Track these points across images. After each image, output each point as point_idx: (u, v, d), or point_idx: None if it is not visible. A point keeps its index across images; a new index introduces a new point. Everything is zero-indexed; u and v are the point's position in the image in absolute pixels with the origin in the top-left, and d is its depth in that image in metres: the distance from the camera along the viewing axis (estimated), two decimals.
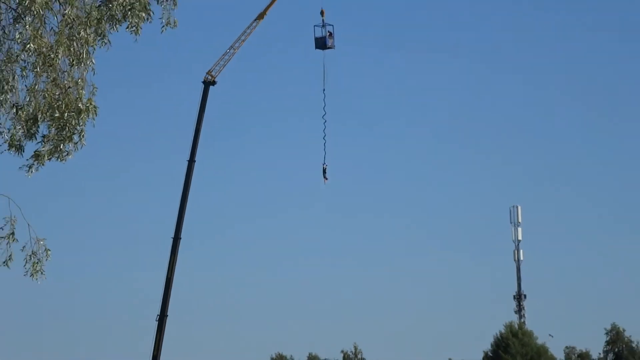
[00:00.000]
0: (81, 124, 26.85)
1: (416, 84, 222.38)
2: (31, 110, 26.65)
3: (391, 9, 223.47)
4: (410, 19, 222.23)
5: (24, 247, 26.96)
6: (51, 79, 26.56)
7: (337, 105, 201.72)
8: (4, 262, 27.04)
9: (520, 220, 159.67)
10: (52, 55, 25.92)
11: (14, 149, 27.14)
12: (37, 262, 27.09)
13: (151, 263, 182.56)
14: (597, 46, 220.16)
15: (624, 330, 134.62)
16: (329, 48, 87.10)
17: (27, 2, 25.44)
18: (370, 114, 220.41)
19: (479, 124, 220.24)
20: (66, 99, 26.60)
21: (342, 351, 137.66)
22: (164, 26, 27.27)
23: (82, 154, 27.29)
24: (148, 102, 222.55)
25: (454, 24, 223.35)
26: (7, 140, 26.95)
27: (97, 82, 26.93)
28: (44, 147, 27.00)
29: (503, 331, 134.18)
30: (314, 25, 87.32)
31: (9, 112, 26.52)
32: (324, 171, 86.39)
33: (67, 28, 26.12)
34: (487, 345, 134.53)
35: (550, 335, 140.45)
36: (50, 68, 26.18)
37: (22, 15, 26.17)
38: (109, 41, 26.93)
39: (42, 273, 27.16)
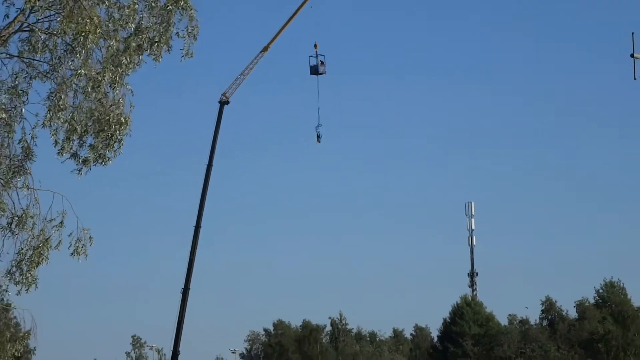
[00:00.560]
0: (121, 134, 26.87)
1: (394, 100, 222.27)
2: (81, 126, 26.67)
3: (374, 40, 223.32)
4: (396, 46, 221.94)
5: (71, 233, 27.04)
6: (97, 99, 26.57)
7: (329, 119, 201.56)
8: (55, 246, 27.11)
9: (473, 212, 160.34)
10: (100, 79, 25.92)
11: (73, 157, 27.17)
12: (83, 246, 27.12)
13: (177, 247, 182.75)
14: (542, 50, 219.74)
15: (555, 302, 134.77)
16: (321, 74, 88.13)
17: (81, 38, 25.43)
18: (355, 124, 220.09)
19: (446, 133, 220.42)
20: (109, 115, 26.62)
21: (329, 317, 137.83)
22: (183, 56, 27.27)
23: (121, 159, 27.37)
24: (175, 117, 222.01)
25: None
26: (69, 150, 26.95)
27: (135, 99, 27.08)
28: (90, 154, 27.03)
29: (459, 302, 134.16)
30: (309, 56, 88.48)
31: (63, 126, 26.51)
32: (318, 136, 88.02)
33: (111, 57, 26.13)
34: (446, 313, 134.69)
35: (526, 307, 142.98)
36: (98, 89, 26.18)
37: (73, 47, 26.15)
38: (141, 62, 26.88)
39: (85, 255, 27.19)
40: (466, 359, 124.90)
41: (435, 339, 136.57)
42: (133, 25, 26.04)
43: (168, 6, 26.29)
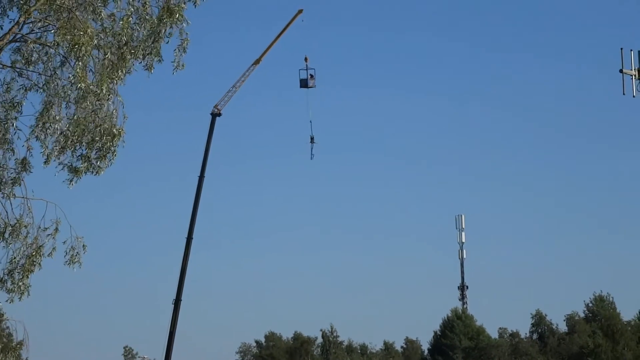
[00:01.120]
0: (114, 145, 27.09)
1: (385, 113, 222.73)
2: (74, 138, 26.87)
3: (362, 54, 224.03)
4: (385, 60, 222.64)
5: (65, 241, 27.24)
6: (91, 110, 26.78)
7: (321, 131, 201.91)
8: (49, 254, 27.30)
9: (464, 226, 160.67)
10: (98, 91, 26.14)
11: (65, 168, 27.36)
12: (77, 255, 27.32)
13: (169, 257, 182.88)
14: (532, 65, 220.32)
15: (545, 315, 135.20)
16: (310, 87, 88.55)
17: (76, 50, 25.66)
18: (346, 137, 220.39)
19: (436, 147, 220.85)
20: (102, 127, 26.84)
21: (321, 329, 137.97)
22: (175, 68, 27.53)
23: (114, 169, 27.57)
24: (167, 131, 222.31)
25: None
26: (66, 164, 27.16)
27: (127, 110, 27.32)
28: (82, 164, 27.21)
29: (450, 315, 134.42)
30: (299, 69, 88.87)
31: (52, 136, 26.72)
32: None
33: (106, 69, 26.37)
34: (436, 326, 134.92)
35: None
36: (96, 102, 26.41)
37: (67, 58, 26.40)
38: (124, 78, 27.14)
39: (79, 263, 27.40)
40: None
41: (426, 352, 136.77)
42: (128, 38, 26.31)
43: (163, 18, 26.56)
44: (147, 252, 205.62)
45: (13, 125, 27.02)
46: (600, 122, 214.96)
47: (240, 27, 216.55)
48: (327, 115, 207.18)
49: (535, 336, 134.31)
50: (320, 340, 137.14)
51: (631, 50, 48.33)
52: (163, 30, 26.60)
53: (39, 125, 26.38)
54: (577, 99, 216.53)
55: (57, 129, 26.56)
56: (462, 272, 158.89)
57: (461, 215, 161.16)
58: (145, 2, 26.39)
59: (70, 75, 25.96)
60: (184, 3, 26.70)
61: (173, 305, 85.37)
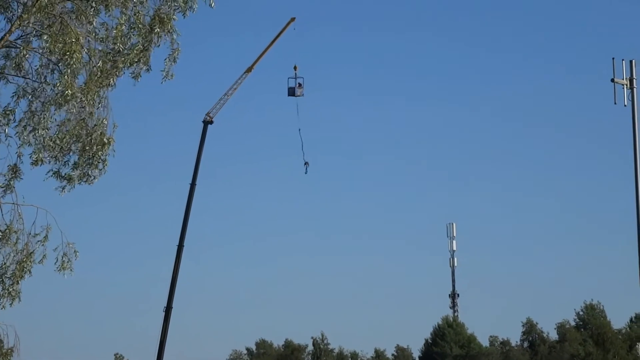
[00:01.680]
0: (104, 154, 27.14)
1: (376, 121, 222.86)
2: (65, 145, 26.90)
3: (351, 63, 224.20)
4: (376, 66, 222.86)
5: (56, 248, 27.23)
6: (80, 118, 26.83)
7: (313, 138, 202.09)
8: (39, 261, 27.29)
9: (455, 234, 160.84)
10: (85, 99, 26.19)
11: (58, 177, 27.42)
12: (68, 261, 27.31)
13: (160, 265, 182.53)
14: (524, 72, 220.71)
15: (536, 323, 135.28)
16: (298, 96, 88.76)
17: (67, 59, 25.72)
18: (337, 144, 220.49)
19: (427, 154, 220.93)
20: (92, 135, 26.89)
21: (312, 337, 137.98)
22: (163, 78, 27.67)
23: (105, 175, 27.55)
24: (160, 137, 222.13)
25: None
26: (56, 171, 27.24)
27: (118, 119, 27.38)
28: (74, 172, 27.27)
29: (440, 323, 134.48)
30: (288, 77, 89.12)
31: (45, 145, 26.75)
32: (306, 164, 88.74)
33: (96, 77, 26.44)
34: (427, 334, 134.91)
35: None
36: (84, 109, 26.48)
37: (58, 66, 26.43)
38: (115, 84, 27.23)
39: (70, 270, 27.38)
40: None
41: None
42: (121, 46, 26.38)
43: (155, 28, 26.63)
44: (138, 259, 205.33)
45: (4, 131, 27.03)
46: (591, 131, 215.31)
47: (232, 35, 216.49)
48: (318, 120, 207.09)
49: (526, 344, 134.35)
50: (311, 347, 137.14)
51: (622, 59, 48.50)
52: (155, 39, 26.68)
53: (28, 131, 26.40)
54: (569, 108, 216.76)
55: (45, 135, 26.58)
56: (453, 280, 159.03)
57: (452, 224, 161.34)
58: (137, 11, 26.46)
59: (59, 83, 25.97)
60: (174, 14, 26.79)
61: (164, 313, 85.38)
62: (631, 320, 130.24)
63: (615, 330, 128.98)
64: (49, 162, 27.04)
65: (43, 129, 26.53)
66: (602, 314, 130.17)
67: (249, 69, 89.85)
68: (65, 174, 27.21)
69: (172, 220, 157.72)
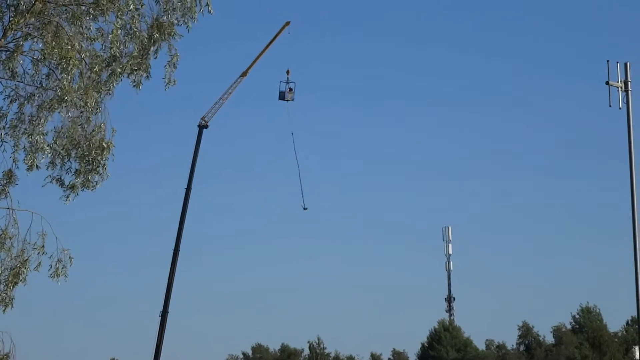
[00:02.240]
0: (104, 159, 27.13)
1: (372, 125, 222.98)
2: (63, 150, 26.89)
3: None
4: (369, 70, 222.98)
5: (51, 255, 27.16)
6: (78, 124, 26.83)
7: (308, 143, 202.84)
8: (35, 268, 27.22)
9: (450, 238, 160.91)
10: (84, 105, 26.19)
11: (58, 183, 27.40)
12: (63, 268, 27.23)
13: (156, 269, 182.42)
14: (519, 74, 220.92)
15: (532, 327, 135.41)
16: (288, 100, 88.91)
17: (64, 64, 25.71)
18: (330, 150, 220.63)
19: (423, 158, 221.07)
20: (91, 140, 26.88)
21: (308, 341, 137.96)
22: (166, 84, 27.67)
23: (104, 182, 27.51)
24: (155, 141, 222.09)
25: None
26: (55, 177, 27.24)
27: (115, 124, 27.39)
28: (77, 179, 27.27)
29: (437, 327, 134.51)
30: (280, 81, 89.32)
31: (40, 149, 26.72)
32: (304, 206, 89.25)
33: (94, 82, 26.44)
34: (423, 337, 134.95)
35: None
36: (82, 115, 26.49)
37: (53, 71, 26.42)
38: (113, 93, 27.30)
39: (65, 276, 27.29)
40: None
41: None
42: (118, 52, 26.38)
43: (153, 34, 26.65)
44: (134, 264, 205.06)
45: (0, 135, 26.97)
46: (586, 133, 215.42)
47: (227, 39, 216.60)
48: (313, 123, 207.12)
49: (522, 348, 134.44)
50: (307, 352, 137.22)
51: (617, 62, 48.50)
52: (153, 47, 26.72)
53: (21, 134, 26.39)
54: (564, 111, 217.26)
55: (41, 140, 26.56)
56: (449, 284, 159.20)
57: (448, 227, 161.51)
58: (133, 16, 26.44)
59: (59, 90, 25.96)
60: (173, 26, 26.84)
61: (160, 318, 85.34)
62: (627, 323, 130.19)
63: (612, 333, 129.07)
64: (47, 167, 27.03)
65: (38, 134, 26.49)
66: (598, 317, 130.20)
67: (244, 73, 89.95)
68: (69, 183, 27.22)
69: (168, 225, 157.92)
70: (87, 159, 26.91)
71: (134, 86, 27.10)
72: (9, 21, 26.04)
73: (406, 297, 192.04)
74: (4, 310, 27.16)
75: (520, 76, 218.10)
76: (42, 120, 26.64)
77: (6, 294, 27.03)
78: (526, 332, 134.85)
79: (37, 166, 26.74)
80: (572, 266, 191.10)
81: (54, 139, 26.70)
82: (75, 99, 26.00)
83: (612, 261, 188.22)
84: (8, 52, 26.59)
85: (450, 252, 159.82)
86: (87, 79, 26.30)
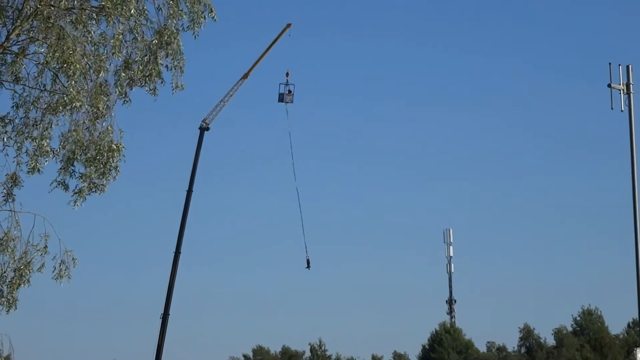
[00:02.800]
0: (115, 161, 27.25)
1: (373, 126, 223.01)
2: (70, 154, 27.03)
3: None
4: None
5: (54, 257, 27.28)
6: (85, 127, 26.95)
7: (308, 144, 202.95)
8: (38, 269, 27.34)
9: (451, 240, 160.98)
10: (94, 108, 26.34)
11: (62, 186, 27.51)
12: (66, 269, 27.34)
13: (157, 272, 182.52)
14: (521, 76, 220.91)
15: (533, 329, 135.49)
16: (286, 103, 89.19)
17: (70, 70, 25.82)
18: (330, 151, 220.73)
19: (424, 160, 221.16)
20: (99, 143, 27.00)
21: (309, 343, 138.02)
22: (174, 89, 27.86)
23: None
24: (156, 144, 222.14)
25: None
26: (60, 181, 27.36)
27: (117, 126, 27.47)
28: (83, 184, 27.37)
29: (438, 329, 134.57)
30: (280, 83, 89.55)
31: (48, 154, 26.87)
32: (308, 262, 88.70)
33: (100, 87, 26.58)
34: (424, 339, 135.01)
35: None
36: (93, 120, 26.63)
37: (57, 75, 26.54)
38: (130, 100, 27.48)
39: (68, 277, 27.40)
40: None
41: None
42: (121, 57, 26.51)
43: (163, 37, 26.80)
44: (135, 267, 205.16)
45: (4, 140, 27.11)
46: (588, 136, 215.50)
47: (227, 41, 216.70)
48: (313, 125, 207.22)
49: (523, 350, 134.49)
50: (308, 354, 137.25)
51: (619, 64, 48.58)
52: (162, 53, 26.90)
53: (24, 138, 26.51)
54: (566, 114, 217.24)
55: (46, 144, 26.69)
56: (450, 286, 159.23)
57: (449, 229, 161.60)
58: (136, 21, 26.56)
59: (66, 96, 26.06)
60: (178, 34, 27.02)
61: (161, 320, 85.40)
62: (629, 325, 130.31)
63: (613, 335, 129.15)
64: (58, 172, 27.16)
65: (43, 138, 26.61)
66: (599, 320, 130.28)
67: (245, 76, 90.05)
68: (76, 188, 27.32)
69: (169, 227, 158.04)
70: (97, 162, 27.01)
71: (149, 92, 27.25)
72: (13, 24, 26.15)
73: (407, 299, 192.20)
74: (7, 312, 27.28)
75: (522, 78, 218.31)
76: (47, 125, 26.77)
77: (11, 295, 27.13)
78: (527, 334, 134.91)
79: (39, 170, 26.85)
80: (574, 268, 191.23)
81: (61, 143, 26.81)
82: (82, 103, 26.11)
83: (613, 263, 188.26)
84: (13, 55, 26.72)
85: (452, 254, 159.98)
86: (91, 82, 26.42)
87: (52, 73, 26.63)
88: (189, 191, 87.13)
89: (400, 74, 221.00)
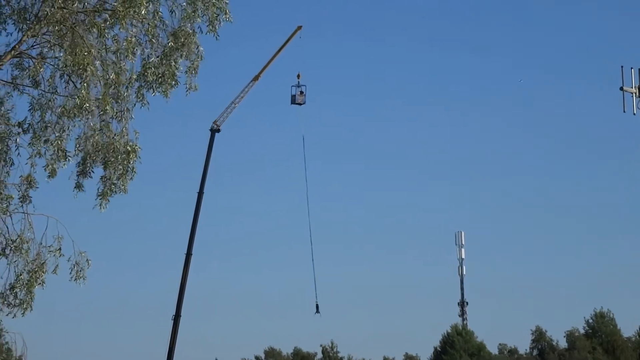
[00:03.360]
0: (132, 162, 27.44)
1: (384, 129, 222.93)
2: (86, 156, 27.24)
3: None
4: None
5: (69, 258, 27.44)
6: (98, 130, 27.11)
7: (320, 145, 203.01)
8: (53, 271, 27.50)
9: (463, 242, 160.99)
10: (102, 111, 26.52)
11: (78, 189, 27.75)
12: (81, 270, 27.51)
13: (168, 274, 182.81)
14: (531, 80, 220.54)
15: (545, 331, 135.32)
16: (299, 104, 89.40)
17: (80, 71, 26.02)
18: (341, 153, 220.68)
19: (435, 163, 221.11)
20: (114, 145, 27.17)
21: (321, 345, 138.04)
22: (187, 90, 28.02)
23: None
24: (167, 145, 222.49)
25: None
26: (79, 183, 27.61)
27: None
28: (105, 187, 27.57)
29: (449, 331, 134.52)
30: (291, 85, 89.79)
31: (66, 158, 27.09)
32: (317, 307, 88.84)
33: (111, 89, 26.75)
34: (436, 342, 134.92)
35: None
36: (103, 123, 26.84)
37: (71, 77, 26.72)
38: (148, 102, 27.69)
39: (84, 279, 27.60)
40: None
41: None
42: (134, 58, 26.71)
43: (177, 44, 26.99)
44: (147, 268, 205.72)
45: (16, 141, 27.32)
46: (600, 139, 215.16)
47: (238, 43, 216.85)
48: (324, 127, 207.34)
49: (535, 352, 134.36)
50: (320, 355, 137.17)
51: (632, 68, 48.81)
52: (178, 55, 27.08)
53: (42, 142, 26.72)
54: (578, 117, 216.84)
55: (60, 146, 26.89)
56: (462, 288, 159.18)
57: (461, 232, 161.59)
58: (149, 23, 26.72)
59: (77, 98, 26.25)
60: (195, 32, 27.18)
61: (172, 321, 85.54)
62: None
63: (625, 338, 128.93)
64: (77, 175, 27.35)
65: (58, 140, 26.80)
66: (611, 322, 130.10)
67: (256, 77, 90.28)
68: (99, 191, 27.52)
69: (180, 229, 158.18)
70: (114, 164, 27.19)
71: (162, 94, 27.39)
72: (28, 28, 26.36)
73: (419, 301, 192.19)
74: (22, 314, 27.45)
75: (534, 81, 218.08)
76: (64, 128, 26.98)
77: (29, 297, 27.30)
78: (539, 336, 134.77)
79: (55, 172, 27.04)
80: (586, 270, 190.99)
81: (76, 146, 27.02)
82: (93, 107, 26.30)
83: (626, 266, 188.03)
84: (29, 59, 26.95)
85: (463, 256, 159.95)
86: (104, 86, 26.60)
87: (66, 76, 26.81)
88: (200, 193, 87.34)
89: (412, 76, 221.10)
